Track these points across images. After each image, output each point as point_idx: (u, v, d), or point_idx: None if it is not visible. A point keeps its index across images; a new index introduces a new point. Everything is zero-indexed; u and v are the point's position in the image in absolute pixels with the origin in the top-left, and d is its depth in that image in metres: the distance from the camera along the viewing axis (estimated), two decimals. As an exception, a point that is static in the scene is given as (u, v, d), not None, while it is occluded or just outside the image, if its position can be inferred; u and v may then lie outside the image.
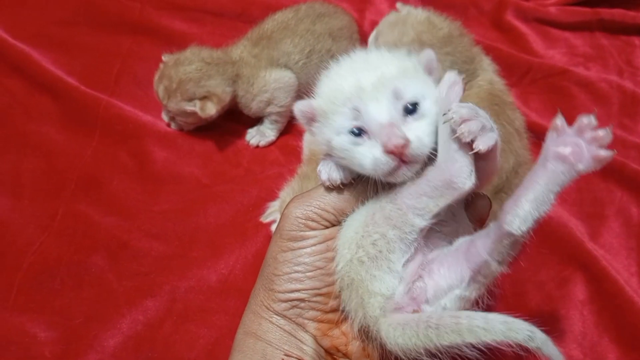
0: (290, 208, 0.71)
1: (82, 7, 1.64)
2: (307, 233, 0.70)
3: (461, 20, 1.62)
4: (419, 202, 0.63)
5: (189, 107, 1.29)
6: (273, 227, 1.22)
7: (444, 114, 0.61)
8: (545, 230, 1.20)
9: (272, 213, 1.21)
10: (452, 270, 0.67)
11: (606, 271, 1.13)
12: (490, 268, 0.65)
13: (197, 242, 1.20)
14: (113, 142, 1.36)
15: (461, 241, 0.69)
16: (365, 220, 0.67)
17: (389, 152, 0.61)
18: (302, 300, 0.69)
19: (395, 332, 0.64)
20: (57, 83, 1.46)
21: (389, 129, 0.62)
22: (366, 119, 0.64)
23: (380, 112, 0.63)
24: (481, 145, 0.58)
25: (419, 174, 0.65)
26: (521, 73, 1.51)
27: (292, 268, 0.69)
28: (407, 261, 0.67)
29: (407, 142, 0.61)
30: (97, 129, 1.38)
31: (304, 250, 0.69)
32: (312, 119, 0.70)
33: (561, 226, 1.21)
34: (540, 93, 1.48)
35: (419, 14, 1.19)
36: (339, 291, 0.70)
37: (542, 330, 0.60)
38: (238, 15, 1.63)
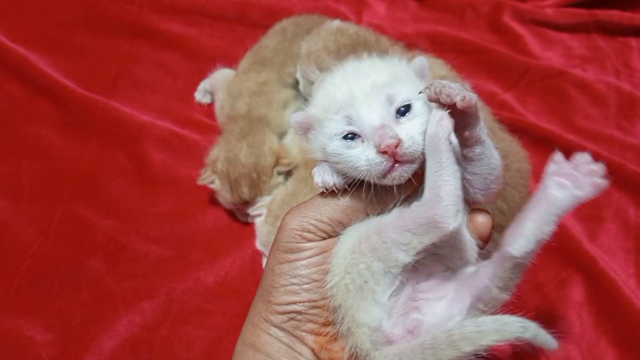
0: (286, 219, 0.71)
1: (80, 10, 1.65)
2: (304, 245, 0.69)
3: (458, 23, 1.64)
4: (403, 237, 0.63)
5: (281, 173, 1.25)
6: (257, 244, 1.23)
7: (429, 96, 0.62)
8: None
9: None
10: (452, 298, 0.67)
11: (604, 272, 1.12)
12: (491, 294, 0.64)
13: (194, 244, 1.21)
14: (111, 145, 1.37)
15: (464, 272, 0.69)
16: (353, 246, 0.67)
17: (382, 151, 0.62)
18: (299, 312, 0.69)
19: None
20: (55, 86, 1.46)
21: (381, 130, 0.62)
22: (359, 123, 0.64)
23: (372, 116, 0.64)
24: (460, 102, 0.59)
25: (418, 178, 0.65)
26: (518, 75, 1.51)
27: (289, 280, 0.69)
28: (395, 293, 0.66)
29: (399, 141, 0.61)
30: (95, 131, 1.38)
31: (300, 262, 0.69)
32: (308, 129, 0.70)
33: (559, 227, 1.18)
34: (537, 95, 1.48)
35: (333, 24, 1.22)
36: (333, 308, 0.69)
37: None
38: (237, 18, 1.63)
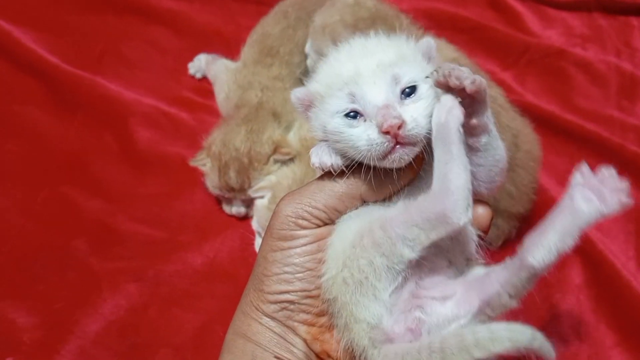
0: (280, 206, 0.68)
1: (66, -15, 1.60)
2: (298, 232, 0.67)
3: (457, 0, 1.60)
4: (410, 232, 0.61)
5: (277, 162, 1.20)
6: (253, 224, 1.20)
7: (433, 73, 0.60)
8: (541, 214, 1.18)
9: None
10: (459, 300, 0.64)
11: (603, 255, 1.10)
12: (501, 301, 0.62)
13: (182, 225, 1.18)
14: (97, 123, 1.33)
15: (474, 273, 0.67)
16: (354, 240, 0.65)
17: (384, 132, 0.59)
18: (291, 302, 0.67)
19: None
20: (40, 63, 1.42)
21: (384, 110, 0.60)
22: (362, 102, 0.62)
23: (377, 95, 0.62)
24: (470, 85, 0.58)
25: (422, 165, 0.64)
26: (518, 54, 1.48)
27: (282, 269, 0.67)
28: (396, 290, 0.64)
29: (402, 122, 0.59)
30: (81, 109, 1.35)
31: (294, 250, 0.67)
32: (309, 105, 0.68)
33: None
34: (537, 74, 1.45)
35: None
36: (327, 300, 0.67)
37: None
38: (228, -7, 1.59)
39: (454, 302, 0.64)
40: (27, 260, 1.13)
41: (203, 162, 1.19)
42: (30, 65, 1.42)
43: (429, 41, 0.69)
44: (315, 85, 0.68)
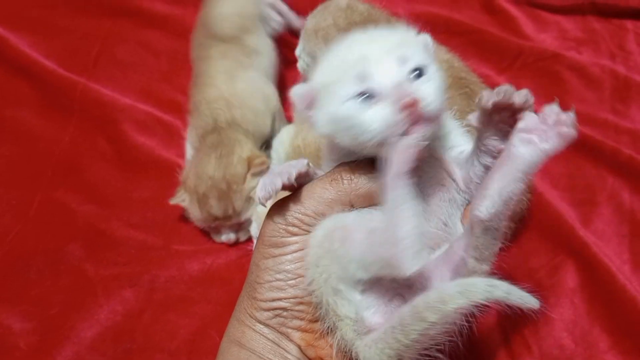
0: (271, 213, 0.69)
1: (60, -12, 1.59)
2: (289, 239, 0.67)
3: (451, 3, 1.60)
4: (363, 260, 0.61)
5: (256, 175, 1.17)
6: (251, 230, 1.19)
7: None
8: (535, 217, 1.18)
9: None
10: (434, 279, 0.63)
11: (598, 258, 1.10)
12: (468, 266, 0.61)
13: (177, 231, 1.18)
14: (91, 128, 1.33)
15: (442, 248, 0.66)
16: (320, 241, 0.65)
17: (403, 108, 0.58)
18: (284, 309, 0.67)
19: (370, 350, 0.62)
20: (34, 66, 1.42)
21: (398, 87, 0.60)
22: (373, 82, 0.61)
23: (388, 73, 0.61)
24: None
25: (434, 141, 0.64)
26: (512, 57, 1.47)
27: (274, 276, 0.67)
28: (369, 286, 0.65)
29: (417, 99, 0.59)
30: (75, 113, 1.34)
31: (285, 257, 0.67)
32: (311, 103, 0.66)
33: (552, 213, 1.19)
34: (531, 77, 1.44)
35: (342, 0, 1.17)
36: (316, 304, 0.67)
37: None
38: (222, -3, 1.58)
39: (430, 282, 0.64)
40: (21, 265, 1.12)
41: (182, 199, 1.17)
42: (24, 69, 1.42)
43: (425, 36, 0.70)
44: (318, 78, 0.66)
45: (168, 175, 1.26)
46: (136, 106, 1.35)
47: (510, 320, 1.08)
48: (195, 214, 1.15)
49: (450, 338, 0.63)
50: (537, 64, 1.47)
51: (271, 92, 1.30)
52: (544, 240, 1.16)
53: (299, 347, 0.68)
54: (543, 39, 1.53)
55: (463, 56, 1.23)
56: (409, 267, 0.58)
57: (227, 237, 1.17)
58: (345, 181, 0.67)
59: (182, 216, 1.20)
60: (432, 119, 0.60)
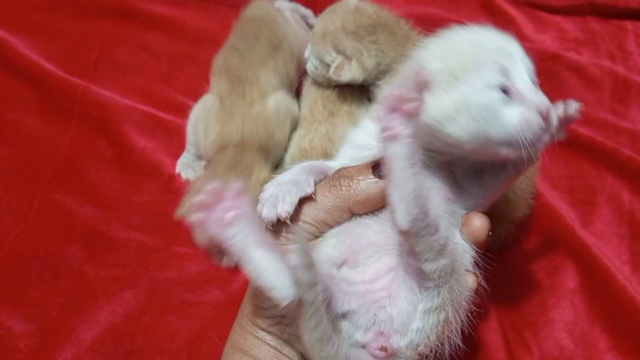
0: None
1: (61, -9, 1.59)
2: (289, 246, 0.67)
3: (450, 5, 1.60)
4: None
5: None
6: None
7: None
8: (535, 218, 1.18)
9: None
10: (406, 287, 0.64)
11: (597, 259, 1.10)
12: (427, 269, 0.60)
13: (177, 233, 1.17)
14: (91, 130, 1.32)
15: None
16: None
17: (545, 118, 0.59)
18: (285, 316, 0.67)
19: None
20: (34, 69, 1.41)
21: (540, 96, 0.60)
22: (516, 80, 0.61)
23: (527, 79, 0.62)
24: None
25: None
26: (511, 58, 1.47)
27: None
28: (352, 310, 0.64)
29: (552, 113, 0.61)
30: (75, 116, 1.34)
31: None
32: (425, 85, 0.61)
33: (552, 213, 1.19)
34: (531, 78, 1.45)
35: (350, 2, 1.16)
36: None
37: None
38: (222, -1, 1.58)
39: (405, 291, 0.64)
40: (22, 267, 1.12)
41: (191, 212, 1.10)
42: (24, 71, 1.42)
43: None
44: (436, 61, 0.63)
45: (168, 177, 1.26)
46: (136, 108, 1.35)
47: (510, 320, 1.08)
48: (202, 233, 1.09)
49: (450, 339, 0.64)
50: (536, 64, 1.43)
51: (297, 113, 1.26)
52: (544, 241, 1.17)
53: (301, 353, 0.68)
54: (542, 40, 1.54)
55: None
56: (286, 297, 0.57)
57: (229, 260, 1.13)
58: (344, 187, 0.67)
59: (182, 218, 1.20)
60: (555, 129, 0.62)
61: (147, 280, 1.10)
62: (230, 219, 0.58)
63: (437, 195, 0.65)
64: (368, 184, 0.66)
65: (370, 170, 0.66)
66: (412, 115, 0.55)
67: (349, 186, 0.66)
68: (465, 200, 0.69)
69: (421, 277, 0.62)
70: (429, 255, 0.59)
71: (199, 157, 1.27)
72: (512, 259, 1.15)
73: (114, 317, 1.06)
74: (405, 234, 0.59)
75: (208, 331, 1.05)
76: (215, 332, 1.04)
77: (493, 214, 1.08)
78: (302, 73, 1.30)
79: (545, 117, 0.59)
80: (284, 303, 0.57)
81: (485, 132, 0.61)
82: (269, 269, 0.57)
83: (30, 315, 1.06)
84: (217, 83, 1.26)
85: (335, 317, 0.63)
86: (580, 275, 1.12)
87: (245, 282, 0.71)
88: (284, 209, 0.64)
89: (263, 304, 0.67)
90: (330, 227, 0.67)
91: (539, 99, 0.60)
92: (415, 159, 0.57)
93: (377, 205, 0.66)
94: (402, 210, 0.57)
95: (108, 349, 1.03)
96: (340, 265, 0.66)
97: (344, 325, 0.63)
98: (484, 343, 1.06)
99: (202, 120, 1.22)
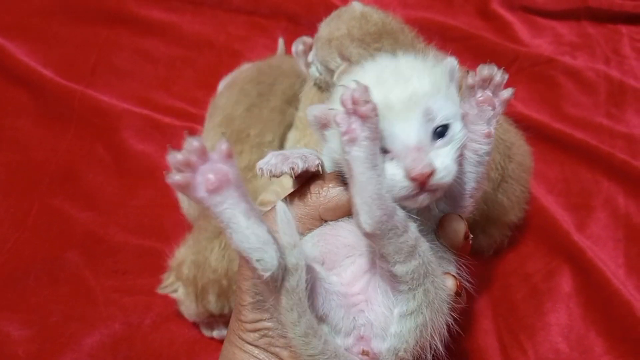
0: None
1: (58, -4, 1.59)
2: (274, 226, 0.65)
3: (446, 9, 1.61)
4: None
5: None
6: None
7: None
8: (531, 222, 1.19)
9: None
10: (381, 291, 0.63)
11: (593, 263, 1.11)
12: (398, 271, 0.59)
13: (175, 238, 1.17)
14: (89, 135, 1.33)
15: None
16: None
17: (414, 178, 0.57)
18: (269, 329, 0.66)
19: None
20: (32, 75, 1.41)
21: (415, 153, 0.58)
22: (391, 139, 0.59)
23: (409, 134, 0.58)
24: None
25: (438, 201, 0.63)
26: (507, 62, 1.48)
27: (254, 297, 0.66)
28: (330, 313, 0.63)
29: (433, 170, 0.57)
30: (73, 121, 1.34)
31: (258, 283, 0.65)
32: (325, 125, 0.65)
33: (547, 217, 1.19)
34: (526, 82, 1.45)
35: (356, 8, 1.16)
36: None
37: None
38: (218, 4, 1.58)
39: (380, 295, 0.63)
40: (20, 273, 1.13)
41: (174, 288, 1.03)
42: (22, 78, 1.42)
43: (452, 61, 0.66)
44: (336, 106, 0.61)
45: (165, 182, 1.25)
46: (134, 113, 1.35)
47: (506, 324, 1.08)
48: (189, 307, 1.02)
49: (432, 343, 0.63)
50: (532, 69, 1.48)
51: None
52: (540, 245, 1.17)
53: None
54: (538, 44, 1.54)
55: (459, 62, 1.23)
56: (268, 268, 0.55)
57: (219, 333, 1.06)
58: (313, 195, 0.66)
59: (180, 222, 1.21)
60: (440, 190, 0.59)
61: (147, 287, 1.10)
62: (219, 183, 0.53)
63: None
64: (338, 191, 0.65)
65: (341, 178, 0.65)
66: (368, 118, 0.55)
67: (319, 194, 0.66)
68: (439, 202, 0.68)
69: (393, 280, 0.61)
70: (398, 257, 0.58)
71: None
72: (508, 263, 1.16)
73: (113, 323, 1.07)
74: (370, 237, 0.58)
75: (206, 338, 1.06)
76: (213, 339, 1.06)
77: (488, 218, 1.10)
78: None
79: (417, 177, 0.57)
80: (267, 274, 0.54)
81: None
82: (256, 239, 0.54)
83: (29, 321, 1.07)
84: (211, 137, 1.17)
85: (316, 319, 0.62)
86: (575, 279, 1.12)
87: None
88: (294, 163, 0.63)
89: (246, 318, 0.66)
90: (302, 235, 0.65)
91: (411, 159, 0.57)
92: (375, 161, 0.56)
93: (347, 212, 0.64)
94: (365, 213, 0.56)
95: (107, 355, 1.04)
96: (321, 265, 0.65)
97: (324, 329, 0.63)
98: (480, 347, 1.07)
99: None
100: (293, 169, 0.62)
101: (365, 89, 0.55)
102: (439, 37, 1.51)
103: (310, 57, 1.21)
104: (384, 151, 0.59)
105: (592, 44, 1.54)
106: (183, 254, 1.05)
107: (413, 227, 0.59)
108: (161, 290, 1.04)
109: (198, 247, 1.03)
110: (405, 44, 1.15)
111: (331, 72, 1.14)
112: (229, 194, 0.53)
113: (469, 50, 1.50)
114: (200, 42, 1.49)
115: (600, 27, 1.58)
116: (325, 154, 0.68)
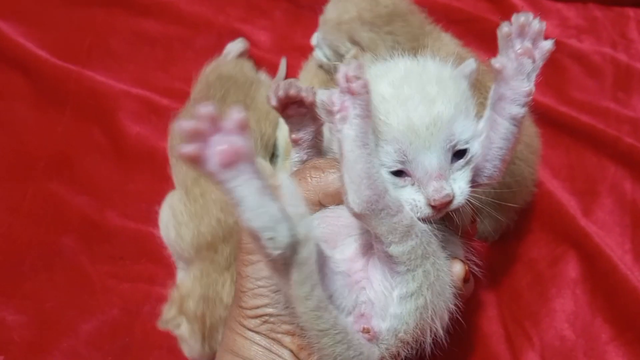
0: None
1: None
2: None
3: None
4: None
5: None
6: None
7: None
8: (536, 207, 1.17)
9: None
10: (380, 272, 0.63)
11: (599, 249, 1.10)
12: (394, 252, 0.59)
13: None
14: (85, 118, 1.29)
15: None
16: None
17: (433, 207, 0.59)
18: (271, 315, 0.66)
19: None
20: (28, 57, 1.38)
21: (437, 183, 0.58)
22: (414, 165, 0.59)
23: (431, 162, 0.59)
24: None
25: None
26: (512, 45, 1.45)
27: (255, 283, 0.66)
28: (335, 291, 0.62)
29: (450, 199, 0.59)
30: (69, 104, 1.31)
31: (263, 263, 0.64)
32: (332, 113, 0.63)
33: (553, 203, 1.17)
34: (532, 66, 1.42)
35: None
36: None
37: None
38: (218, -16, 1.55)
39: (380, 276, 0.63)
40: (15, 259, 1.11)
41: (176, 324, 0.93)
42: (17, 59, 1.38)
43: (471, 63, 0.67)
44: None
45: (163, 166, 1.23)
46: (130, 95, 1.32)
47: (511, 311, 1.07)
48: (193, 347, 0.93)
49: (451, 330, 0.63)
50: None
51: None
52: (545, 231, 1.16)
53: (292, 351, 0.67)
54: (544, 27, 1.51)
55: (463, 44, 1.21)
56: (278, 246, 0.52)
57: None
58: (314, 179, 0.66)
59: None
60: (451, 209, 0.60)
61: (145, 273, 1.09)
62: (233, 157, 0.48)
63: None
64: (339, 176, 0.64)
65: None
66: (358, 95, 0.54)
67: (319, 178, 0.66)
68: None
69: (390, 261, 0.60)
70: (393, 237, 0.58)
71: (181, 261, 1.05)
72: (513, 249, 1.14)
73: (111, 309, 1.05)
74: (360, 217, 0.57)
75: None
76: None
77: (494, 201, 1.07)
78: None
79: (438, 205, 0.58)
80: (277, 253, 0.52)
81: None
82: (268, 218, 0.51)
83: (24, 307, 1.05)
84: (179, 170, 1.09)
85: None
86: (581, 265, 1.11)
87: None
88: (299, 88, 0.64)
89: (247, 304, 0.66)
90: None
91: (433, 188, 0.58)
92: (366, 139, 0.55)
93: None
94: (353, 192, 0.55)
95: (105, 341, 1.03)
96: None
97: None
98: (485, 333, 1.05)
99: (172, 222, 1.03)
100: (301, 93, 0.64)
101: (359, 66, 0.54)
102: (444, 19, 1.48)
103: (314, 40, 1.17)
104: (404, 174, 0.60)
105: (599, 27, 1.51)
106: (189, 287, 0.94)
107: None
108: (162, 326, 0.94)
109: (208, 279, 0.94)
110: (416, 27, 1.13)
111: (340, 56, 1.10)
112: (242, 168, 0.49)
113: (474, 33, 1.46)
114: (198, 22, 1.45)
115: (607, 10, 1.54)
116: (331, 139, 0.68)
